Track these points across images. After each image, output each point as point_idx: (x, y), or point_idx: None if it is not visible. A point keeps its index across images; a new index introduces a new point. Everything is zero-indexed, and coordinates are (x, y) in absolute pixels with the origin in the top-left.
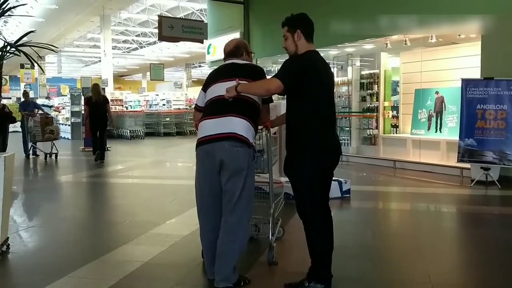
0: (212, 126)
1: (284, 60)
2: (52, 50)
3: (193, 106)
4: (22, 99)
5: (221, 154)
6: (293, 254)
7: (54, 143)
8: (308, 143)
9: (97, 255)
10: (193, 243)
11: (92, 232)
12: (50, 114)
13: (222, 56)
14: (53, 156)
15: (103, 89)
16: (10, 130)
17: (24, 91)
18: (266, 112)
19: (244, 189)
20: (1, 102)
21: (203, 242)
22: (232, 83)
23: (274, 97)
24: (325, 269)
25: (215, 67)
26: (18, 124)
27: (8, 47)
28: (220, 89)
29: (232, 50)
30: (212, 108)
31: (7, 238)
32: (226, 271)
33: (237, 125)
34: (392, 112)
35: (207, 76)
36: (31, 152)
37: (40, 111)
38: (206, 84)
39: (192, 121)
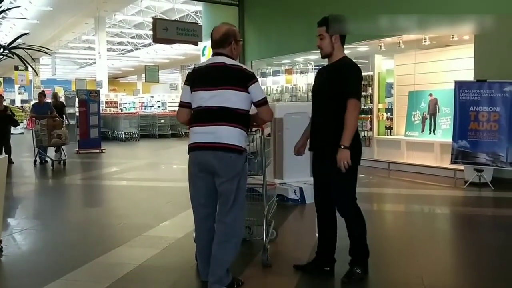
0: (204, 134)
1: (325, 67)
2: (46, 53)
3: None
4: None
5: (215, 162)
6: (287, 255)
7: (63, 149)
8: (357, 141)
9: (91, 258)
10: (187, 246)
11: (86, 235)
12: (58, 117)
13: None
14: (61, 163)
15: (98, 90)
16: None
17: (42, 91)
18: (262, 113)
19: (238, 192)
20: (3, 104)
21: (198, 244)
22: (220, 93)
23: (269, 98)
24: (366, 251)
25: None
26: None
27: (1, 50)
28: (208, 98)
29: (221, 39)
30: (202, 117)
31: (0, 241)
32: (220, 273)
33: (229, 134)
34: (386, 114)
35: (193, 68)
36: (37, 158)
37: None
38: (192, 81)
39: None
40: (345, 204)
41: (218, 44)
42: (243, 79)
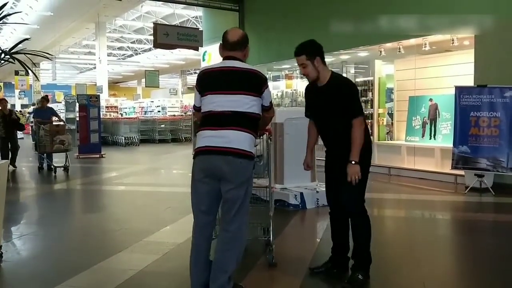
0: (214, 138)
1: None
2: (47, 58)
3: (188, 113)
4: (39, 105)
5: (224, 167)
6: (288, 260)
7: (67, 155)
8: (369, 147)
9: (91, 263)
10: (187, 251)
11: (86, 240)
12: (63, 122)
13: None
14: (65, 170)
15: (98, 95)
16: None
17: (45, 96)
18: (266, 119)
19: (245, 199)
20: (8, 108)
21: (195, 251)
22: (234, 98)
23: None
24: (369, 258)
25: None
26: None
27: (3, 55)
28: (220, 102)
29: (238, 42)
30: (213, 120)
31: (0, 247)
32: (223, 280)
33: (240, 139)
34: (387, 119)
35: (203, 72)
36: (44, 165)
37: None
38: (203, 86)
39: (187, 127)
40: (354, 203)
41: (235, 47)
42: (257, 84)
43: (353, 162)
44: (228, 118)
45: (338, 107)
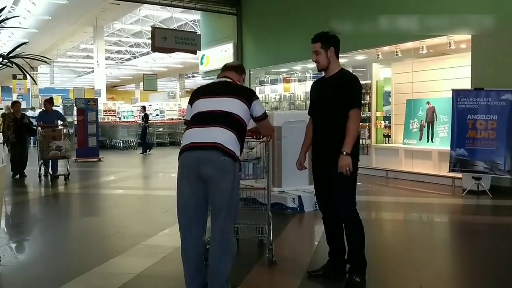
0: (198, 135)
1: (319, 77)
2: (45, 62)
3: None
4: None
5: (206, 163)
6: (285, 262)
7: (68, 162)
8: (357, 149)
9: (89, 267)
10: None
11: (84, 244)
12: (67, 126)
13: (215, 66)
14: (64, 178)
15: (96, 99)
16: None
17: (50, 98)
18: (265, 127)
19: (231, 201)
20: (20, 111)
21: (185, 258)
22: (223, 99)
23: (267, 107)
24: (364, 260)
25: (208, 78)
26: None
27: (1, 59)
28: (208, 104)
29: (237, 65)
30: (199, 120)
31: None
32: (221, 283)
33: (224, 136)
34: (384, 122)
35: (197, 87)
36: (42, 171)
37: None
38: (193, 97)
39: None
40: (346, 207)
41: (231, 69)
42: (247, 94)
43: (344, 153)
44: (215, 117)
45: (339, 98)
